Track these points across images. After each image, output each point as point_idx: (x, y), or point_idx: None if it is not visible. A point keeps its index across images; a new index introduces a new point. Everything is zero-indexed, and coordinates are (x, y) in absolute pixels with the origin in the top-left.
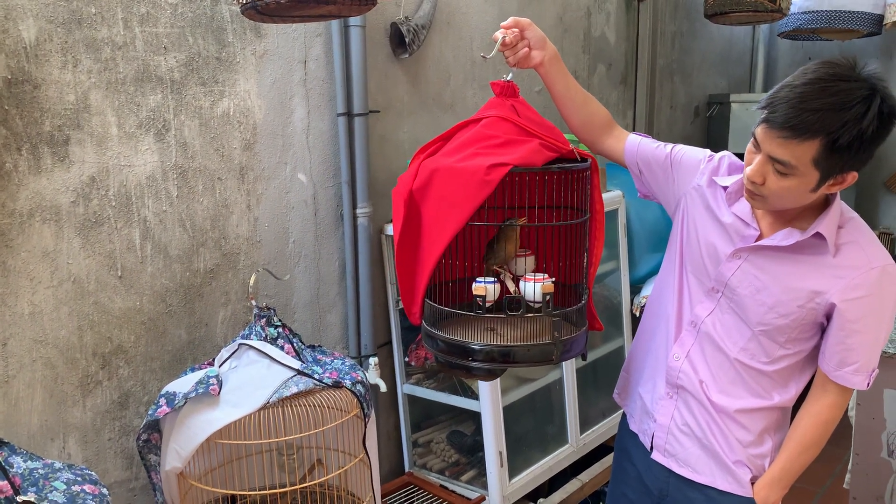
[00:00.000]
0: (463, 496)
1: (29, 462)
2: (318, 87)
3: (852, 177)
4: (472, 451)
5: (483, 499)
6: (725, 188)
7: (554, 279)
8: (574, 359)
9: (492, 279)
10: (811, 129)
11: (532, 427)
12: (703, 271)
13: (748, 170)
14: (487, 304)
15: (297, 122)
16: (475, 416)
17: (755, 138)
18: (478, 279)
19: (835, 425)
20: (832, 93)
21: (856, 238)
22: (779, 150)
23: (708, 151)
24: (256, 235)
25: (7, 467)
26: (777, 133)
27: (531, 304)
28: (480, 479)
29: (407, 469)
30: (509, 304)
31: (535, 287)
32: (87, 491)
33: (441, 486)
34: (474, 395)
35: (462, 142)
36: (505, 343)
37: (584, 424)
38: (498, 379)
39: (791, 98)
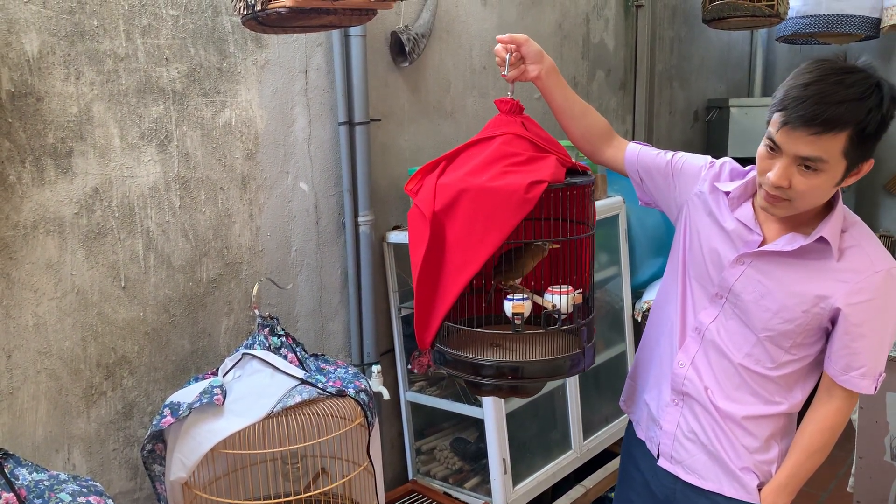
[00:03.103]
0: (467, 503)
1: (34, 474)
2: (319, 97)
3: (869, 164)
4: (475, 458)
5: None
6: (727, 193)
7: (580, 290)
8: None
9: (525, 296)
10: (841, 121)
11: (535, 434)
12: (707, 277)
13: (772, 175)
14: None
15: (299, 132)
16: (478, 423)
17: (774, 142)
18: (508, 297)
19: (841, 430)
20: (848, 84)
21: (859, 242)
22: (807, 147)
23: (709, 158)
24: (259, 245)
25: (13, 479)
26: (806, 131)
27: (558, 317)
28: (484, 486)
29: (410, 477)
30: (547, 318)
31: (568, 299)
32: (93, 502)
33: (445, 493)
34: (477, 402)
35: (483, 161)
36: (545, 357)
37: (587, 430)
38: None
39: (811, 95)
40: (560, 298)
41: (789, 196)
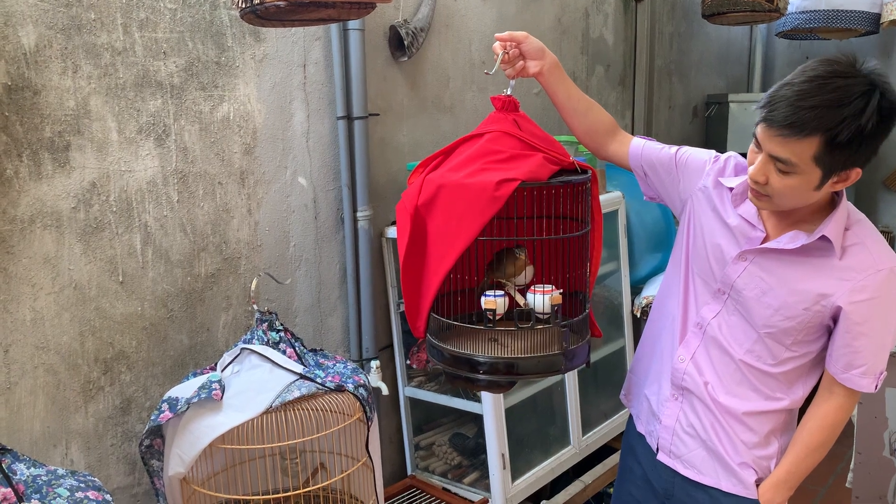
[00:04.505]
0: (466, 499)
1: (32, 469)
2: (317, 91)
3: (856, 173)
4: (474, 454)
5: (486, 501)
6: (731, 189)
7: (561, 290)
8: None
9: (500, 293)
10: (809, 126)
11: (534, 429)
12: (710, 273)
13: (751, 169)
14: (497, 317)
15: (297, 126)
16: (477, 419)
17: (756, 138)
18: (486, 293)
19: (841, 427)
20: (830, 90)
21: (862, 240)
22: (779, 148)
23: (713, 152)
24: (257, 239)
25: (10, 474)
26: (776, 132)
27: (539, 316)
28: (483, 481)
29: (409, 472)
30: (519, 316)
31: (543, 299)
32: (91, 497)
33: (444, 488)
34: (476, 398)
35: (467, 157)
36: (513, 355)
37: (586, 426)
38: None
39: (789, 96)
40: (535, 297)
41: (767, 193)
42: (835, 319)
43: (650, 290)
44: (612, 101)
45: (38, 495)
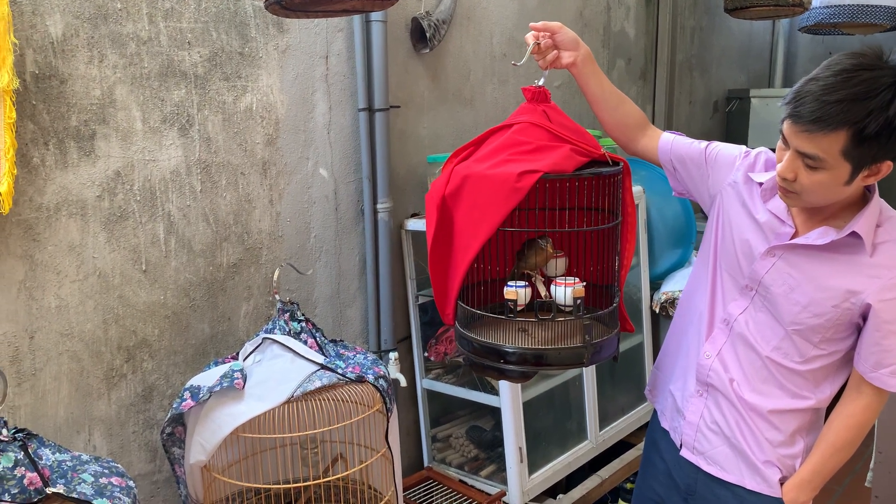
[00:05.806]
0: (482, 491)
1: (57, 454)
2: (339, 83)
3: (887, 167)
4: (491, 447)
5: (503, 494)
6: (761, 184)
7: (585, 283)
8: None
9: (522, 283)
10: (835, 120)
11: (551, 423)
12: (738, 269)
13: (779, 167)
14: (518, 308)
15: (319, 118)
16: (494, 411)
17: (783, 134)
18: (509, 283)
19: (869, 427)
20: (856, 83)
21: (894, 237)
22: (806, 144)
23: (744, 147)
24: (278, 230)
25: (36, 459)
26: (802, 127)
27: (562, 308)
28: (500, 474)
29: (426, 464)
30: (540, 307)
31: (565, 291)
32: (115, 483)
33: (460, 480)
34: (494, 391)
35: (493, 148)
36: (536, 346)
37: (604, 421)
38: None
39: (814, 91)
40: (556, 289)
41: (796, 189)
42: (864, 317)
43: (670, 286)
44: (632, 95)
45: (63, 480)
